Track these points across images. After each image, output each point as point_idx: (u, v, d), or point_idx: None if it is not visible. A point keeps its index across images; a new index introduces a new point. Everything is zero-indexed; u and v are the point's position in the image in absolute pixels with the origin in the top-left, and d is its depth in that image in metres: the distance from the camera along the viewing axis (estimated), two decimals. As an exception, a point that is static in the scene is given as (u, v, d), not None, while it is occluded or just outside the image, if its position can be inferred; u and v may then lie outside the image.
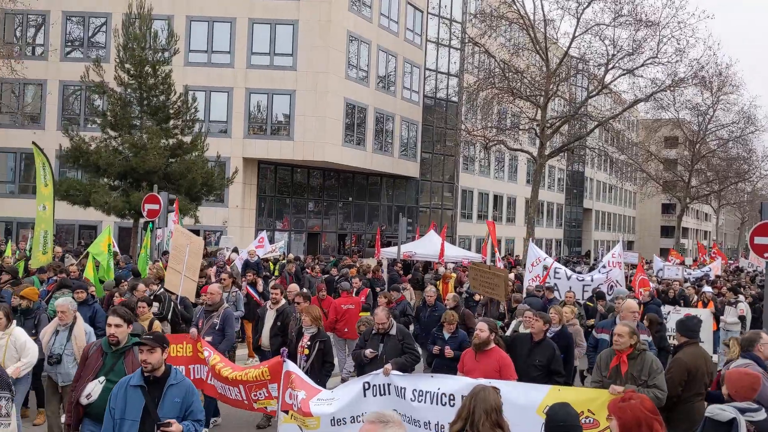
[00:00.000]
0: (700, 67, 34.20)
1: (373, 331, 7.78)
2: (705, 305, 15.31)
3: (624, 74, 34.30)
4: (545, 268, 15.67)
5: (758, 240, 10.45)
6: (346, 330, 11.39)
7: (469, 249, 37.87)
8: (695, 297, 16.74)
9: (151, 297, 9.55)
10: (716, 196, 58.23)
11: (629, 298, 10.69)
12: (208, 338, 8.18)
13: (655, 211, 78.32)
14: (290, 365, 6.78)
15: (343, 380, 9.81)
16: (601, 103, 46.63)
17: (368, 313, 11.12)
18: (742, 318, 15.09)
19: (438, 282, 17.42)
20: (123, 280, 11.60)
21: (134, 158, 19.67)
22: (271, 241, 24.09)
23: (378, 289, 15.08)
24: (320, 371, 7.71)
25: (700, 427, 4.77)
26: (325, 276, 17.53)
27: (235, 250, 20.16)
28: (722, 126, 48.29)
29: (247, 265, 16.51)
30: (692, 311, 12.93)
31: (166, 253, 15.49)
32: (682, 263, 33.02)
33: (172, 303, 9.81)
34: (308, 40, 30.09)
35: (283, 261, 19.49)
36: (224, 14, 30.03)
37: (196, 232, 17.48)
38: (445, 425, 5.87)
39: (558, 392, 6.07)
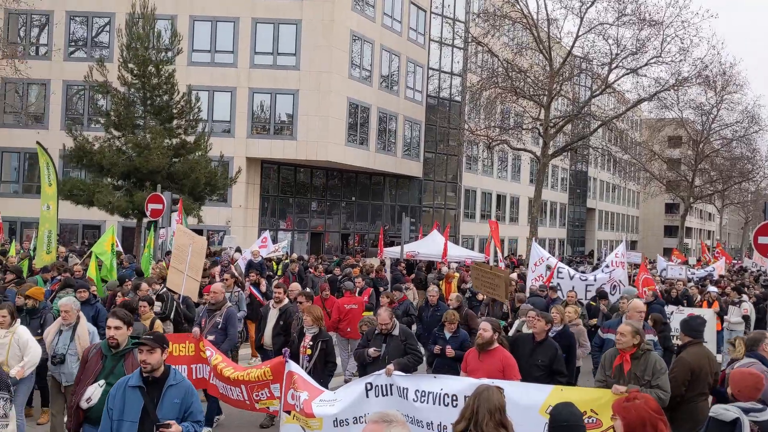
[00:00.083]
0: (703, 66, 34.16)
1: (376, 332, 7.77)
2: (710, 305, 15.27)
3: (627, 73, 34.20)
4: (548, 267, 15.65)
5: (762, 239, 10.46)
6: (349, 330, 11.39)
7: (472, 249, 37.83)
8: (698, 297, 16.72)
9: (154, 296, 9.55)
10: (720, 196, 58.10)
11: (636, 298, 10.67)
12: (211, 337, 8.17)
13: (659, 211, 78.17)
14: (292, 365, 6.75)
15: (347, 381, 9.81)
16: (605, 103, 46.53)
17: (371, 313, 11.12)
18: (745, 318, 15.03)
19: (441, 282, 17.43)
20: (126, 280, 11.62)
21: (138, 158, 19.71)
22: (274, 240, 24.09)
23: (381, 289, 15.10)
24: (323, 371, 7.70)
25: (704, 426, 4.76)
26: (328, 276, 17.52)
27: (238, 250, 20.19)
28: (726, 125, 48.11)
29: (250, 265, 16.53)
30: (696, 311, 12.90)
31: (169, 252, 15.50)
32: (686, 263, 32.94)
33: (175, 302, 9.82)
34: (311, 39, 30.11)
35: (286, 261, 19.50)
36: (227, 14, 30.06)
37: (200, 232, 17.51)
38: (447, 426, 5.86)
39: (561, 392, 6.06)
